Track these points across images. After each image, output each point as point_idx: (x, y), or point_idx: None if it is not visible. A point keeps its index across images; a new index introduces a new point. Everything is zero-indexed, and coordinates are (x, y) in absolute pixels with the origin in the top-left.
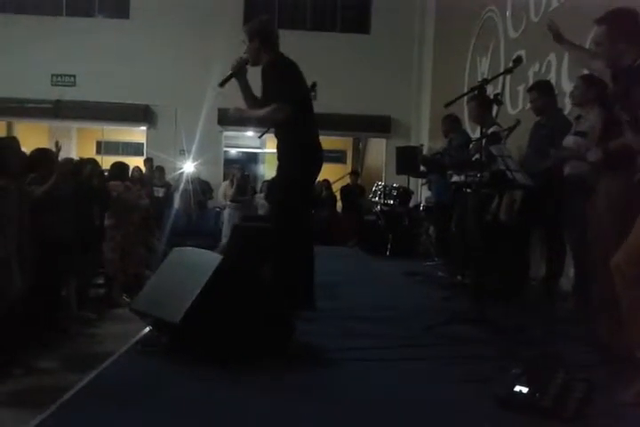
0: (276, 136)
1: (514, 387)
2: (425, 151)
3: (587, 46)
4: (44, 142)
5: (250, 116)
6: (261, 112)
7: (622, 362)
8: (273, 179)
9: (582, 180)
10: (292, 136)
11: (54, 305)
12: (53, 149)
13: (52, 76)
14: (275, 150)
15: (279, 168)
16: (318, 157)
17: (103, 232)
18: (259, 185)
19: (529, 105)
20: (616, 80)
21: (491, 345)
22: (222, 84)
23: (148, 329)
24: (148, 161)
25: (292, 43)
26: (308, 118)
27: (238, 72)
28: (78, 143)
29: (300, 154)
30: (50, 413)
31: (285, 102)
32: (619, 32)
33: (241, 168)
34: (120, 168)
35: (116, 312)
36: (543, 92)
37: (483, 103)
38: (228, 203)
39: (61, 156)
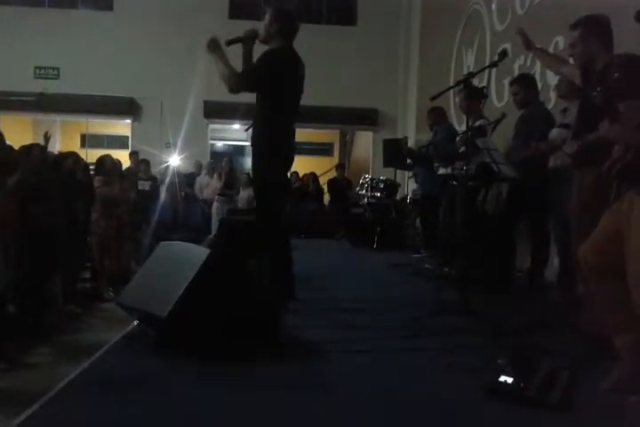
0: (252, 130)
1: (499, 377)
2: (411, 144)
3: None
4: (27, 136)
5: (217, 64)
6: (223, 70)
7: (604, 350)
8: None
9: (566, 171)
10: (265, 134)
11: (40, 299)
12: (42, 141)
13: (36, 68)
14: None
15: (252, 166)
16: (287, 157)
17: (89, 227)
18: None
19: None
20: (586, 80)
21: (477, 336)
22: (229, 44)
23: (135, 323)
24: (133, 154)
25: None
26: (286, 117)
27: (246, 39)
28: (62, 136)
29: (270, 154)
30: (37, 407)
31: (246, 79)
32: (591, 35)
33: (229, 161)
34: (100, 162)
35: (103, 306)
36: (525, 85)
37: (471, 94)
38: (217, 196)
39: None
